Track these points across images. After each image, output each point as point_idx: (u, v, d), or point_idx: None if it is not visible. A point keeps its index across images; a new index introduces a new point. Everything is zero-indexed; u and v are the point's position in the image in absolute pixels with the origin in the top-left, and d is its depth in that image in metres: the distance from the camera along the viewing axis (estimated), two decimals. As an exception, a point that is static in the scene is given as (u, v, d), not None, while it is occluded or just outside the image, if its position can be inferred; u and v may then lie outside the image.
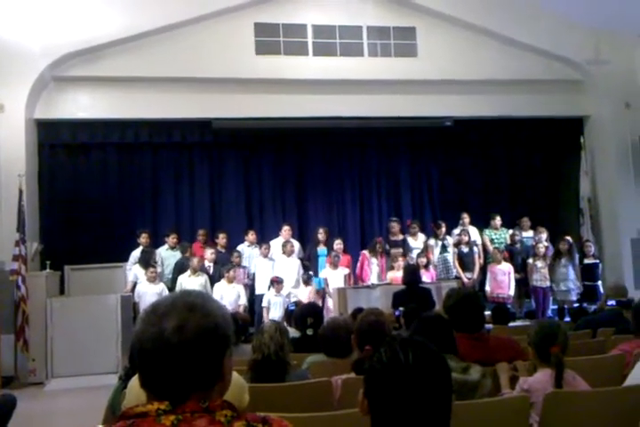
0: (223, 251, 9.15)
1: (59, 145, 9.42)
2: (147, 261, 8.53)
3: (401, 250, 9.28)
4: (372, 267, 9.08)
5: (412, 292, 6.90)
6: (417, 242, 9.62)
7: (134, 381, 2.22)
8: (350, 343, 3.52)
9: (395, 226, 9.67)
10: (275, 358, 3.19)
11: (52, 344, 7.57)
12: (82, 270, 8.37)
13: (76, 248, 9.09)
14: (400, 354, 1.44)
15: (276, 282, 8.51)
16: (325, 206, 10.64)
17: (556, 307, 9.50)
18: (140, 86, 9.08)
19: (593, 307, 7.47)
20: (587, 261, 9.59)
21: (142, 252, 8.72)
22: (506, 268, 9.28)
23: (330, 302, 8.65)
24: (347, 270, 8.96)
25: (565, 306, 9.20)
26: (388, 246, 9.43)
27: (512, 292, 9.22)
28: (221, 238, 9.23)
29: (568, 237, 9.55)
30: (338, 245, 9.06)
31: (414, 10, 9.90)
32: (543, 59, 10.25)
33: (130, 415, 1.25)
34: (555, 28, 9.96)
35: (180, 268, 8.65)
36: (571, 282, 9.26)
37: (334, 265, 8.85)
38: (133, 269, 8.57)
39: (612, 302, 5.08)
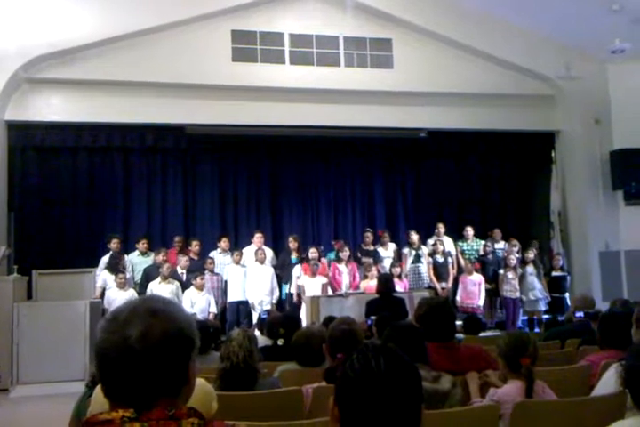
0: (196, 258, 9.08)
1: (30, 148, 9.27)
2: (115, 267, 8.43)
3: (372, 259, 9.32)
4: (343, 276, 9.08)
5: (385, 301, 6.91)
6: (387, 251, 9.68)
7: (99, 388, 2.18)
8: (323, 352, 3.51)
9: (369, 236, 9.73)
10: (243, 365, 3.13)
11: (17, 350, 7.38)
12: (50, 275, 8.20)
13: (46, 253, 8.95)
14: (372, 362, 1.43)
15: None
16: (300, 215, 10.64)
17: (525, 318, 9.61)
18: (114, 90, 8.98)
19: (560, 318, 7.57)
20: (555, 273, 9.73)
21: (111, 257, 8.61)
22: (476, 278, 9.37)
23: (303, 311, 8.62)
24: (324, 279, 8.93)
25: (535, 317, 9.35)
26: (359, 255, 9.48)
27: (482, 302, 9.31)
28: (194, 246, 9.16)
29: (533, 248, 9.70)
30: (313, 253, 9.04)
31: (391, 22, 9.98)
32: (516, 73, 10.40)
33: (94, 423, 1.22)
34: (527, 43, 10.14)
35: (148, 274, 8.56)
36: (538, 291, 9.43)
37: (313, 273, 8.83)
38: (102, 275, 8.46)
39: (580, 314, 5.14)
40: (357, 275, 9.15)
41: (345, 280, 9.04)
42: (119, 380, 1.24)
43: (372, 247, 9.67)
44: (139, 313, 1.27)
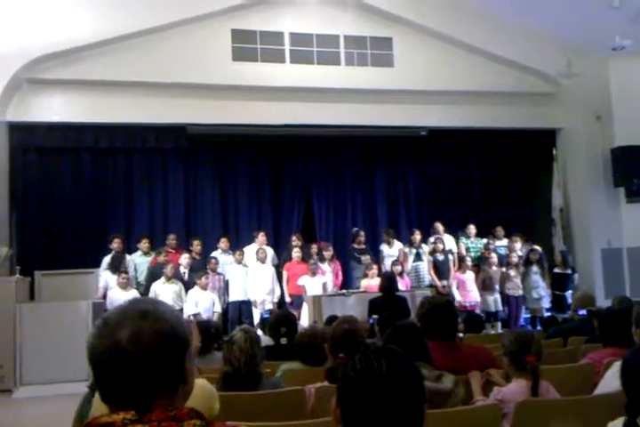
0: (198, 258, 9.07)
1: (31, 148, 9.28)
2: (116, 267, 8.42)
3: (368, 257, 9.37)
4: (327, 275, 9.06)
5: (388, 299, 6.91)
6: (392, 250, 9.67)
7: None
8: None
9: (362, 234, 9.73)
10: (245, 370, 3.09)
11: (20, 351, 7.40)
12: (53, 276, 8.21)
13: (48, 253, 8.96)
14: (374, 362, 1.44)
15: None
16: (301, 214, 10.61)
17: (528, 316, 9.60)
18: (115, 90, 8.99)
19: (561, 316, 7.56)
20: (556, 270, 9.71)
21: (112, 257, 8.61)
22: (471, 276, 9.39)
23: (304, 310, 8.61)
24: (325, 278, 8.93)
25: (537, 315, 9.34)
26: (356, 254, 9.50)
27: (479, 298, 9.33)
28: (196, 245, 9.14)
29: (537, 247, 9.69)
30: (296, 253, 9.03)
31: (391, 20, 9.98)
32: (516, 71, 10.39)
33: (95, 426, 1.22)
34: (528, 40, 10.11)
35: (153, 274, 8.55)
36: (542, 289, 9.42)
37: (313, 273, 8.82)
38: (104, 275, 8.44)
39: (583, 312, 5.13)
40: (340, 273, 9.22)
41: (329, 278, 9.05)
42: (116, 383, 1.23)
43: (363, 246, 9.65)
44: (129, 316, 1.26)
